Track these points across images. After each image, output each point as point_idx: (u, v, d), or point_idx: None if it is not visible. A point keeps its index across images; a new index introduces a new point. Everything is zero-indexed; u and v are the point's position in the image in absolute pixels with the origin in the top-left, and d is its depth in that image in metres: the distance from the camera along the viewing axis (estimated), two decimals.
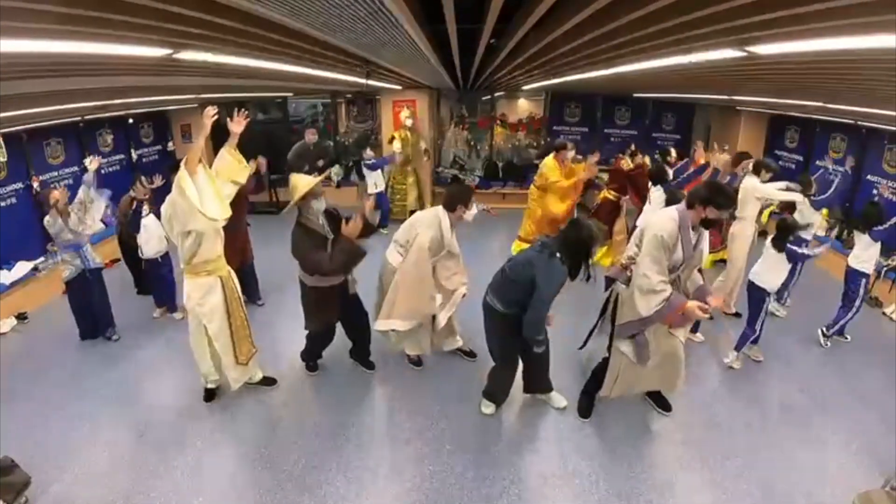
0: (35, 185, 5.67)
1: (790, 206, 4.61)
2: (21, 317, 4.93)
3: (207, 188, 3.00)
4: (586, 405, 3.49)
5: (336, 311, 3.66)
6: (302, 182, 3.31)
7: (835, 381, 3.92)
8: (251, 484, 2.94)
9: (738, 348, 4.09)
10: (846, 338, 4.49)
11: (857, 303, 4.31)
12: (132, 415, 3.55)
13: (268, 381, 3.81)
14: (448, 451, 3.16)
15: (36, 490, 2.81)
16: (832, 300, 4.50)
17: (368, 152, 7.24)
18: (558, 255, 2.87)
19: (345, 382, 3.90)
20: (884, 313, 5.14)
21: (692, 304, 2.82)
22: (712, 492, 2.88)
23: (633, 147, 6.43)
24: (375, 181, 7.21)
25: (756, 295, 4.00)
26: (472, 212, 3.67)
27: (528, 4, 2.31)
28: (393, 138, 7.60)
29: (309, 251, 3.27)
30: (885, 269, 5.35)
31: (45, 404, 3.64)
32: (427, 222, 3.60)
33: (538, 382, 3.55)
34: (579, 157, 8.83)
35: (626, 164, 6.05)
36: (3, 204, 5.41)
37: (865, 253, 4.24)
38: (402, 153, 7.44)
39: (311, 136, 7.11)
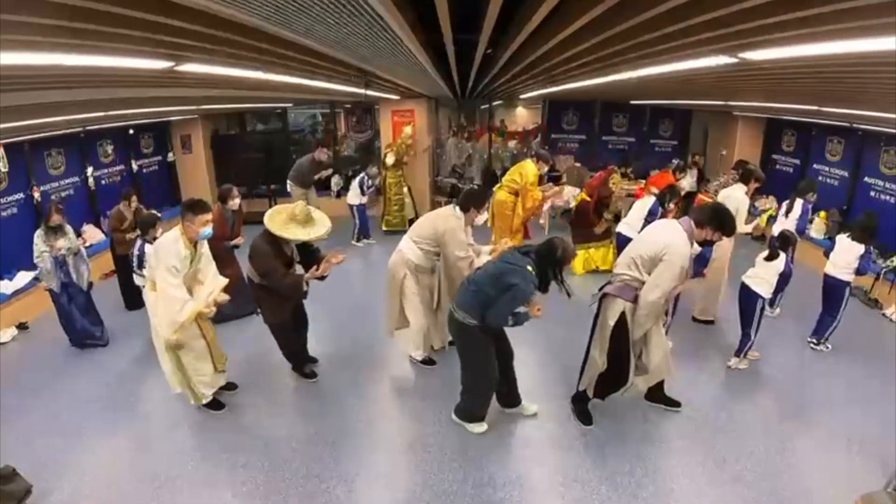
0: (36, 195, 5.71)
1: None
2: (22, 326, 4.95)
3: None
4: (584, 411, 3.49)
5: (291, 304, 3.73)
6: (289, 233, 3.40)
7: (835, 383, 3.92)
8: (251, 493, 2.93)
9: (738, 353, 4.09)
10: (828, 347, 4.38)
11: (842, 311, 4.23)
12: (132, 424, 3.56)
13: (229, 386, 3.80)
14: (448, 459, 3.15)
15: (37, 499, 2.80)
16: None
17: (373, 170, 7.38)
18: (530, 268, 2.89)
19: (345, 390, 3.90)
20: (884, 314, 5.14)
21: None
22: (715, 496, 2.87)
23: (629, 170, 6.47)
24: (357, 193, 7.26)
25: (749, 299, 3.97)
26: (483, 216, 3.78)
27: (523, 14, 2.35)
28: (387, 153, 7.74)
29: (271, 259, 3.41)
30: (884, 270, 5.36)
31: (46, 413, 3.64)
32: (454, 221, 3.69)
33: (513, 397, 3.51)
34: (577, 164, 8.91)
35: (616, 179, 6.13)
36: (4, 214, 5.45)
37: (844, 260, 4.15)
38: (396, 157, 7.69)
39: (321, 155, 7.39)
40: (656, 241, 3.05)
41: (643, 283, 3.05)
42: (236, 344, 4.31)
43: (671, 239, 2.99)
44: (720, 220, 3.01)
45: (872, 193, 6.16)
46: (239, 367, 4.17)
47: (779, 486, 2.93)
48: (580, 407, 3.49)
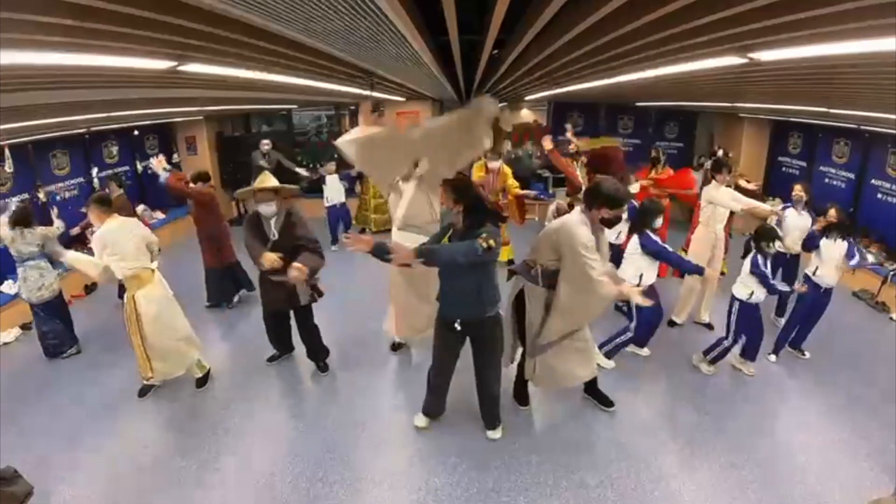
0: (40, 195, 5.71)
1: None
2: (25, 327, 4.95)
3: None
4: (520, 392, 3.64)
5: (278, 303, 3.83)
6: (261, 181, 3.65)
7: (842, 388, 3.87)
8: (255, 496, 2.92)
9: (705, 353, 4.04)
10: (804, 354, 4.24)
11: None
12: (134, 426, 3.54)
13: (201, 382, 3.92)
14: (453, 464, 3.13)
15: (38, 500, 2.78)
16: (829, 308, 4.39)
17: (330, 166, 7.14)
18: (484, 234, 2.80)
19: (349, 394, 3.88)
20: (891, 318, 5.09)
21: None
22: (722, 501, 2.84)
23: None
24: (329, 195, 7.12)
25: (730, 302, 3.88)
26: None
27: (530, 15, 2.33)
28: None
29: (249, 236, 3.67)
30: (891, 273, 5.31)
31: (48, 414, 3.64)
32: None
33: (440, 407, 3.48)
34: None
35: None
36: None
37: (835, 263, 3.89)
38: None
39: (265, 147, 7.53)
40: (554, 223, 3.20)
41: (540, 264, 3.14)
42: (248, 339, 4.30)
43: (565, 219, 3.14)
44: (596, 196, 2.99)
45: (879, 196, 6.10)
46: (245, 367, 4.17)
47: (786, 492, 2.89)
48: (516, 388, 3.64)
